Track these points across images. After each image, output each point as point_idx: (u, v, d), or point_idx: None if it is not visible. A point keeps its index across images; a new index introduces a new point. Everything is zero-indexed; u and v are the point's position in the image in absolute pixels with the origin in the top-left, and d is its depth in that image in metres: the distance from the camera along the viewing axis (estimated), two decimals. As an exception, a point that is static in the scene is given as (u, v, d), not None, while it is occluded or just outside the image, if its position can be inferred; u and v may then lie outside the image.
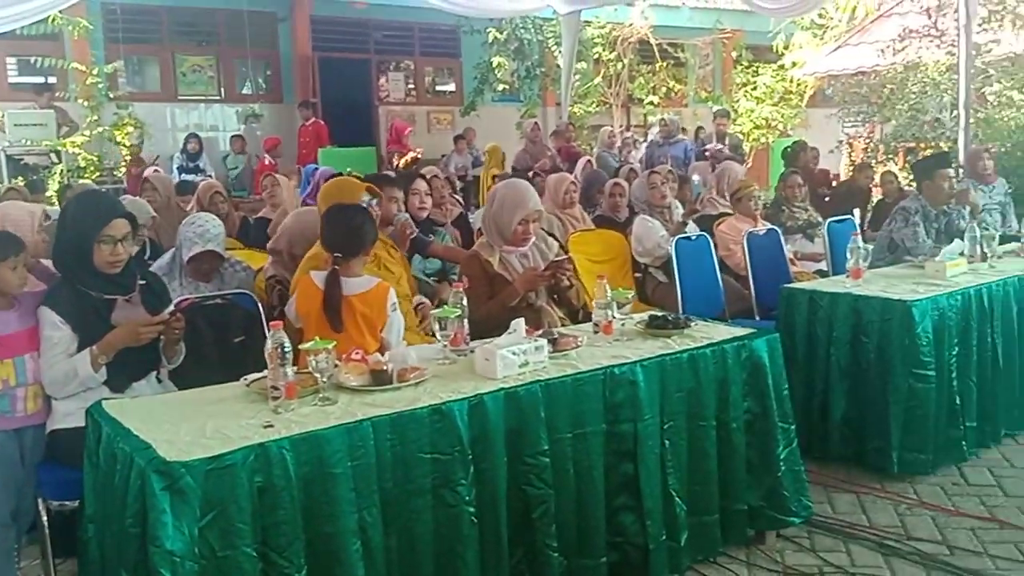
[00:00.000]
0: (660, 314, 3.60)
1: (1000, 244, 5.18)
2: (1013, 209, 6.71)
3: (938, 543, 3.57)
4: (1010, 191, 7.08)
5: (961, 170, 7.54)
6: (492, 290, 3.87)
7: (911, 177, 8.28)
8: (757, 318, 5.38)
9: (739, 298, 5.64)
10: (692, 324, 3.52)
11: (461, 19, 13.10)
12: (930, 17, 10.04)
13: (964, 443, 4.31)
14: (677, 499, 3.18)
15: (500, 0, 10.52)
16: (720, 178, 6.74)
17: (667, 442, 3.15)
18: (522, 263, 3.96)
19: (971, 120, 8.01)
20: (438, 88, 15.97)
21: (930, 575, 3.34)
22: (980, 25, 9.14)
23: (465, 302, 3.18)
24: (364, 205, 3.66)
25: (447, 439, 2.65)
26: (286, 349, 2.58)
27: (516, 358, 2.93)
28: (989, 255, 5.01)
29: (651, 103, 14.82)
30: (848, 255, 4.63)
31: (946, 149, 8.81)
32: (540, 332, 3.15)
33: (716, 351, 3.31)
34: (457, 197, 7.92)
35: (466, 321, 3.16)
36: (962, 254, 4.89)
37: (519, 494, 2.83)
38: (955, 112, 8.31)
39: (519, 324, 3.06)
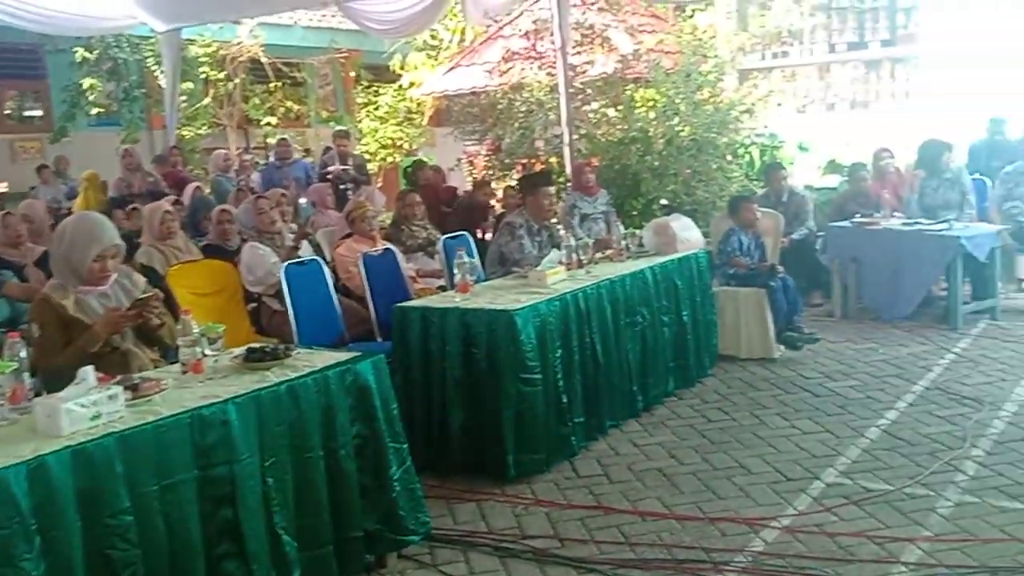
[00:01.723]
0: (257, 346, 3.41)
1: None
2: (615, 217, 7.31)
3: (551, 538, 3.73)
4: (611, 201, 7.72)
5: (569, 183, 8.12)
6: (69, 336, 3.47)
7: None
8: (379, 339, 5.36)
9: (360, 320, 5.60)
10: (293, 353, 3.38)
11: (43, 37, 11.77)
12: (529, 40, 10.65)
13: (573, 438, 4.56)
14: (285, 537, 3.01)
15: (82, 17, 9.45)
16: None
17: (270, 480, 2.98)
18: (102, 303, 3.58)
19: (574, 136, 8.62)
20: (24, 114, 14.22)
21: (543, 570, 3.46)
22: (574, 48, 9.86)
23: (23, 353, 2.78)
24: None
25: (2, 511, 2.30)
26: None
27: (86, 411, 2.61)
28: (585, 262, 5.40)
29: (269, 124, 14.43)
30: (456, 271, 4.75)
31: (555, 163, 9.42)
32: (116, 379, 2.84)
33: (318, 379, 3.20)
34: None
35: (27, 375, 2.77)
36: (560, 263, 5.21)
37: (102, 560, 2.53)
38: (559, 129, 8.89)
39: (87, 372, 2.73)
